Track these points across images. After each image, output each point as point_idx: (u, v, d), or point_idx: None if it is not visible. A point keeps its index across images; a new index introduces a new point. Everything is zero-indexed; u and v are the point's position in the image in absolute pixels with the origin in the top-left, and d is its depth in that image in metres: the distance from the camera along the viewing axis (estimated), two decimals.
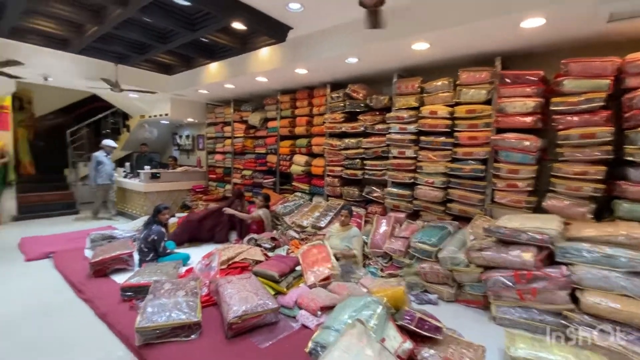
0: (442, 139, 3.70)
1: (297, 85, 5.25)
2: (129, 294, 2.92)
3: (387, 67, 4.10)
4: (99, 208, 6.63)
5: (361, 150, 4.50)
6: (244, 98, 6.53)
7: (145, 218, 6.20)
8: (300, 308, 2.66)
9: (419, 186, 3.92)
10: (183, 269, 3.60)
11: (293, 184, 5.54)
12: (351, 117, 4.70)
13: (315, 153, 5.20)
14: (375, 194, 4.43)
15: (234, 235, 4.83)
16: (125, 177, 6.91)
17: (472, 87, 3.50)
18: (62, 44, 4.45)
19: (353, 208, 4.33)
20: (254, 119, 6.02)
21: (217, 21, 3.55)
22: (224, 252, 3.64)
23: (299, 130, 5.37)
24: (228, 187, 6.87)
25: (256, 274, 3.01)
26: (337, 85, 4.89)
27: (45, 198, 7.06)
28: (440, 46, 3.34)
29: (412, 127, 3.91)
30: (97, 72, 5.26)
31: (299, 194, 5.45)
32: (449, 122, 3.64)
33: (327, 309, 2.57)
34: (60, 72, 5.14)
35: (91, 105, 8.97)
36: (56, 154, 8.23)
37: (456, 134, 3.62)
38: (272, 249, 4.19)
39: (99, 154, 6.34)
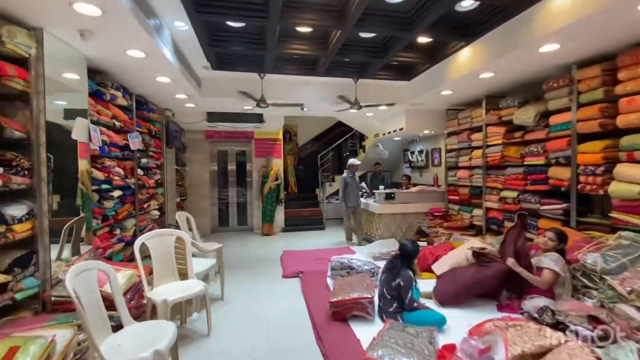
0: None
1: (619, 44, 2.98)
2: None
3: None
4: (350, 232, 6.34)
5: None
6: (502, 91, 4.75)
7: (381, 242, 5.73)
8: None
9: None
10: (440, 343, 2.40)
11: (612, 215, 3.17)
12: None
13: None
14: None
15: (505, 293, 3.17)
16: (361, 196, 6.71)
17: None
18: (311, 66, 4.60)
19: None
20: (524, 115, 4.13)
21: None
22: (511, 336, 2.13)
23: (627, 119, 3.00)
24: (477, 212, 5.22)
25: None
26: None
27: (303, 213, 8.26)
28: None
29: None
30: (340, 93, 5.25)
31: (628, 234, 3.02)
32: None
33: None
34: (311, 101, 5.49)
35: (336, 130, 10.04)
36: (311, 176, 9.70)
37: None
38: (600, 340, 2.23)
39: (345, 175, 6.19)
